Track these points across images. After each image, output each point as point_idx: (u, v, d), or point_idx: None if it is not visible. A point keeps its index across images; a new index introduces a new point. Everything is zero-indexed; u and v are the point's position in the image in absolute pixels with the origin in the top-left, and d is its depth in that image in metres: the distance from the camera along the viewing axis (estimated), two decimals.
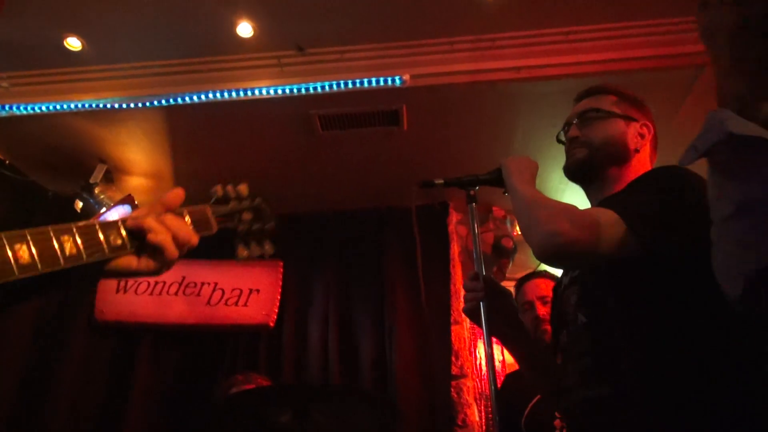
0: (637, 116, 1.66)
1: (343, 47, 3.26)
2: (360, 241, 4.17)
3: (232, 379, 2.91)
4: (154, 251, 0.91)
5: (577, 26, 3.12)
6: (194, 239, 0.98)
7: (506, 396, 2.50)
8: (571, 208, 1.33)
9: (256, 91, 3.28)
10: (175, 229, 0.93)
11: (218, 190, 1.19)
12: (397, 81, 3.22)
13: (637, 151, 1.62)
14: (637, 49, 3.08)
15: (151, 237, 0.90)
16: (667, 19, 3.06)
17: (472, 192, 2.00)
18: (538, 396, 2.35)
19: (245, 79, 3.31)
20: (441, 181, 2.03)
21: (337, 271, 4.07)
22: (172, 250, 0.92)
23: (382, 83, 3.24)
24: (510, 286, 4.26)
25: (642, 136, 1.64)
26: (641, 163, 1.62)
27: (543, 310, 2.55)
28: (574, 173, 1.69)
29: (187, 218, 1.02)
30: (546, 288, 2.64)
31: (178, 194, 1.02)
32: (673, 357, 1.22)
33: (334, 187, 4.11)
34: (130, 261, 0.90)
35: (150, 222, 0.91)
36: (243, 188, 1.21)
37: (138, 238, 0.90)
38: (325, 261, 4.10)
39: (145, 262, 0.92)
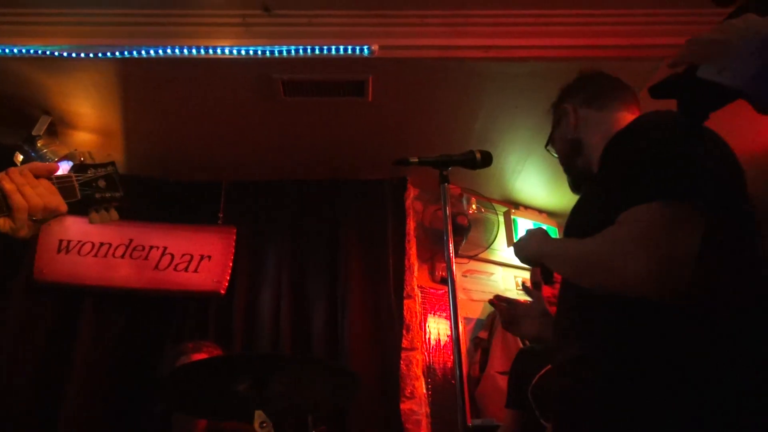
0: (561, 111, 1.68)
1: (311, 11, 3.15)
2: (317, 211, 4.12)
3: (182, 347, 2.85)
4: (10, 211, 1.02)
5: (548, 10, 3.14)
6: (55, 203, 1.09)
7: (518, 368, 2.56)
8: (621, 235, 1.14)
9: (218, 50, 3.14)
10: (31, 193, 1.03)
11: (78, 155, 1.34)
12: (366, 51, 3.16)
13: (582, 139, 1.60)
14: (605, 37, 3.13)
15: (7, 198, 1.01)
16: (634, 11, 3.12)
17: (444, 172, 2.03)
18: (548, 366, 2.37)
19: (207, 36, 3.16)
20: (416, 160, 2.06)
21: (292, 240, 4.01)
22: (22, 213, 1.02)
23: (350, 52, 3.16)
24: (462, 262, 4.35)
25: (569, 120, 1.64)
26: (595, 138, 1.54)
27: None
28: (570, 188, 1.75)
29: (56, 185, 1.13)
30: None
31: (49, 167, 1.13)
32: (643, 318, 1.13)
33: (293, 156, 4.03)
34: None
35: (6, 184, 1.01)
36: (95, 155, 1.39)
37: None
38: (281, 229, 4.04)
39: (3, 222, 1.02)
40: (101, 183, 1.27)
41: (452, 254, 1.92)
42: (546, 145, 1.82)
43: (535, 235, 1.56)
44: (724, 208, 1.14)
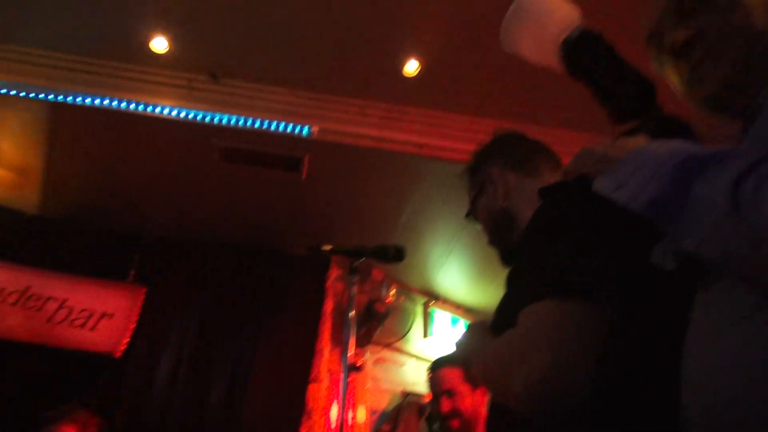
0: (484, 176, 1.45)
1: (257, 85, 3.25)
2: (235, 280, 4.03)
3: (53, 414, 2.62)
4: None
5: (481, 118, 3.37)
6: None
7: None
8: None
9: (159, 109, 3.15)
10: None
11: None
12: (305, 131, 3.25)
13: (505, 209, 1.39)
14: None
15: None
16: (556, 129, 3.39)
17: (355, 263, 2.01)
18: None
19: (149, 93, 3.17)
20: (329, 248, 2.01)
21: (204, 308, 3.87)
22: None
23: (290, 130, 3.25)
24: (375, 350, 4.31)
25: (495, 187, 1.41)
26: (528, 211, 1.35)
27: (447, 405, 2.17)
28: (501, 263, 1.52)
29: None
30: (451, 380, 2.22)
31: None
32: None
33: (221, 220, 3.97)
34: None
35: None
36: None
37: None
38: (194, 295, 3.90)
39: None
40: None
41: (352, 341, 1.90)
42: (467, 215, 1.57)
43: (471, 329, 1.36)
44: (631, 299, 0.98)
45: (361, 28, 2.89)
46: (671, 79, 0.89)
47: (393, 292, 4.49)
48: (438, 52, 2.98)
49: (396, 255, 2.05)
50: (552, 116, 3.29)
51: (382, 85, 3.21)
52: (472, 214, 1.52)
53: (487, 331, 1.28)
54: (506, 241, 1.42)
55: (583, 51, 0.92)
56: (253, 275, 4.06)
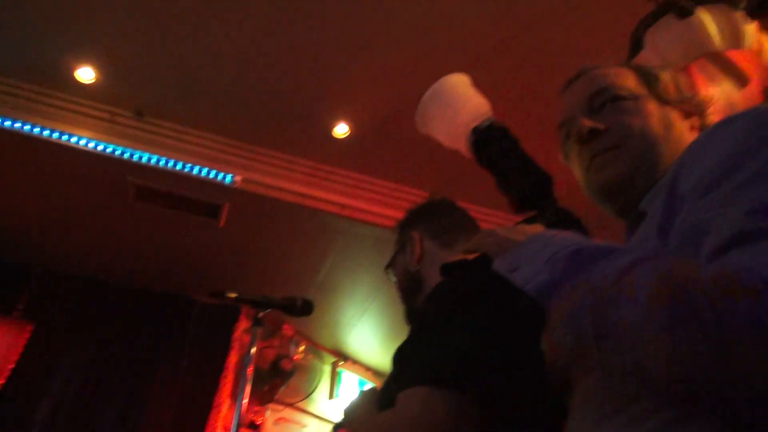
0: (406, 237, 1.50)
1: (184, 127, 3.20)
2: (134, 323, 3.82)
3: None
4: None
5: (404, 185, 3.45)
6: None
7: None
8: None
9: (74, 139, 3.02)
10: None
11: None
12: (228, 179, 3.21)
13: (420, 271, 1.44)
14: None
15: None
16: (480, 207, 3.52)
17: (261, 314, 1.97)
18: None
19: (67, 122, 3.05)
20: (234, 295, 1.96)
21: (97, 350, 3.63)
22: None
23: (212, 176, 3.20)
24: (277, 408, 4.16)
25: (412, 252, 1.47)
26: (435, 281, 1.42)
27: None
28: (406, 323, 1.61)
29: None
30: None
31: None
32: None
33: (127, 259, 3.79)
34: None
35: None
36: None
37: None
38: (88, 335, 3.66)
39: None
40: None
41: (247, 398, 1.85)
42: (386, 267, 1.61)
43: (361, 397, 1.33)
44: (509, 393, 0.99)
45: (294, 87, 2.94)
46: (573, 165, 0.95)
47: (302, 349, 4.39)
48: (367, 119, 3.07)
49: (303, 308, 2.02)
50: (472, 193, 3.42)
51: (311, 144, 3.25)
52: (390, 268, 1.57)
53: (376, 401, 1.25)
54: (412, 302, 1.48)
55: (489, 141, 0.97)
56: (153, 320, 3.86)
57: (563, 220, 0.91)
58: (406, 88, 2.86)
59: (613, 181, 0.87)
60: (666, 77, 0.97)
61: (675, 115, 0.91)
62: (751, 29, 1.51)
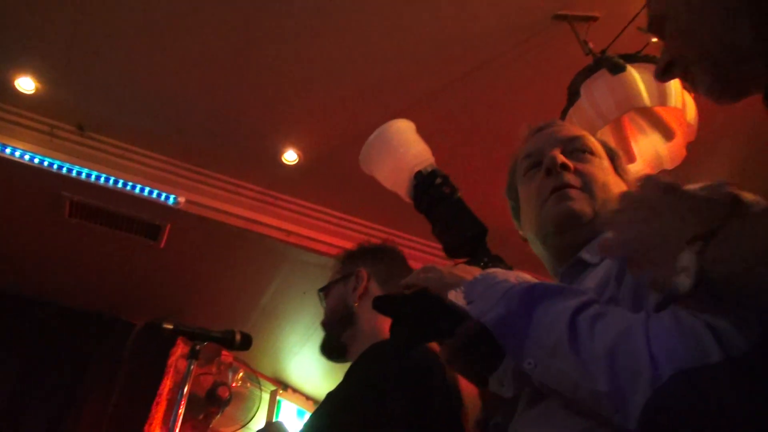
0: (351, 269, 1.55)
1: (128, 144, 3.12)
2: (57, 343, 3.64)
3: None
4: None
5: (352, 216, 3.45)
6: None
7: None
8: None
9: (8, 150, 2.90)
10: None
11: None
12: (171, 199, 3.14)
13: (356, 305, 1.47)
14: None
15: None
16: (425, 240, 3.55)
17: (198, 346, 1.92)
18: None
19: (5, 133, 2.93)
20: (170, 326, 1.90)
21: (23, 370, 3.44)
22: None
23: (154, 195, 3.12)
24: None
25: (355, 288, 1.50)
26: (369, 324, 1.43)
27: None
28: (323, 355, 1.58)
29: None
30: None
31: None
32: None
33: (59, 277, 3.64)
34: None
35: None
36: None
37: None
38: (14, 353, 3.46)
39: None
40: None
41: (178, 429, 1.78)
42: (321, 290, 1.63)
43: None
44: None
45: (245, 112, 2.92)
46: (527, 195, 1.00)
47: (240, 376, 4.28)
48: (317, 147, 3.07)
49: (242, 343, 1.98)
50: (417, 226, 3.46)
51: (259, 169, 3.22)
52: (324, 291, 1.61)
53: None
54: (334, 332, 1.52)
55: (430, 187, 0.99)
56: (83, 341, 3.70)
57: (496, 266, 0.92)
58: (357, 120, 2.89)
59: (572, 214, 0.91)
60: (621, 152, 1.07)
61: (624, 190, 0.97)
62: (676, 89, 1.60)
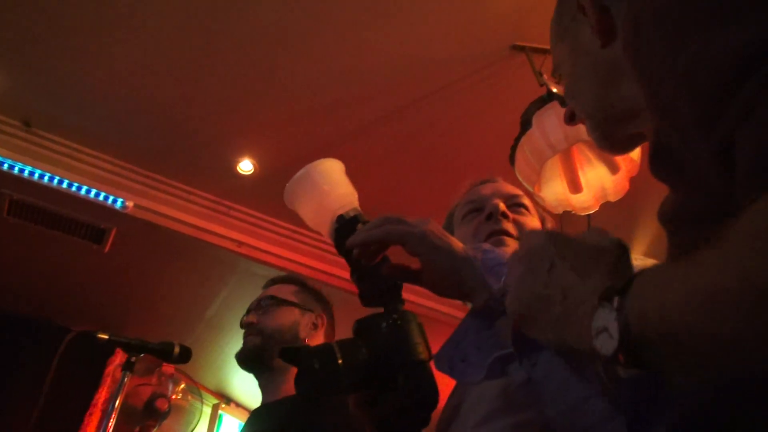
0: (314, 307, 1.71)
1: (77, 144, 3.02)
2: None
3: None
4: None
5: (301, 228, 3.42)
6: None
7: None
8: None
9: None
10: None
11: None
12: (119, 203, 3.05)
13: (305, 340, 1.63)
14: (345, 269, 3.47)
15: None
16: None
17: (133, 358, 1.88)
18: None
19: None
20: (105, 336, 1.86)
21: None
22: None
23: (102, 198, 3.03)
24: None
25: (315, 326, 1.67)
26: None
27: None
28: (244, 361, 1.68)
29: None
30: None
31: None
32: None
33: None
34: None
35: None
36: None
37: None
38: None
39: None
40: None
41: None
42: (273, 298, 1.74)
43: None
44: None
45: (201, 119, 2.87)
46: (463, 235, 1.08)
47: (181, 388, 4.15)
48: (274, 159, 3.04)
49: (181, 356, 1.93)
50: None
51: (213, 177, 3.16)
52: (273, 308, 1.68)
53: None
54: (269, 348, 1.59)
55: (351, 232, 0.97)
56: (12, 346, 3.53)
57: (405, 320, 0.92)
58: (315, 134, 2.89)
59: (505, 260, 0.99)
60: (550, 217, 1.19)
61: None
62: None
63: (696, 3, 0.44)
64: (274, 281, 1.84)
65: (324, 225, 1.00)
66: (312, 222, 1.05)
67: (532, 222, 1.08)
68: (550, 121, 1.75)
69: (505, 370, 0.68)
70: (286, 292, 1.73)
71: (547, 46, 2.41)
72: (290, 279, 1.82)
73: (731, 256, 0.35)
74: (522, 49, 2.35)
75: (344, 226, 0.97)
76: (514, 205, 1.09)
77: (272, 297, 1.71)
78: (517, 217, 1.06)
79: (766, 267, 0.32)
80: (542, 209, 1.17)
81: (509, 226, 1.04)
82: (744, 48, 0.40)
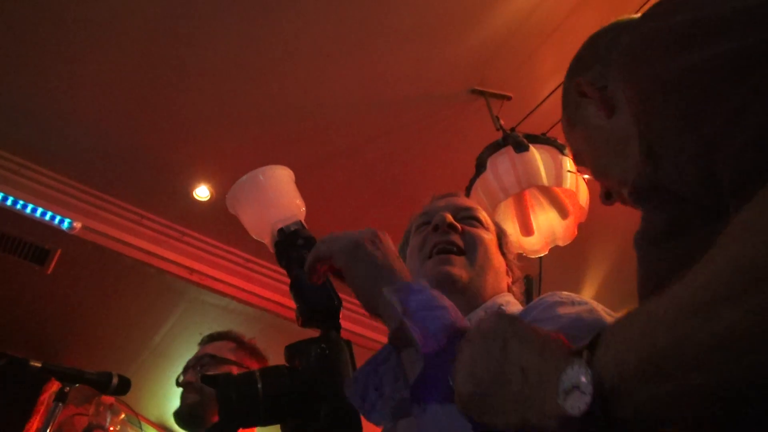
0: (249, 363, 1.73)
1: (22, 159, 2.91)
2: None
3: None
4: None
5: (258, 258, 3.37)
6: None
7: None
8: None
9: None
10: None
11: None
12: (65, 224, 2.94)
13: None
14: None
15: None
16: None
17: (67, 389, 1.79)
18: None
19: None
20: (38, 364, 1.78)
21: None
22: None
23: (47, 217, 2.92)
24: None
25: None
26: None
27: None
28: (183, 418, 1.65)
29: None
30: None
31: None
32: None
33: None
34: None
35: None
36: None
37: None
38: None
39: None
40: None
41: None
42: (205, 380, 1.77)
43: None
44: None
45: (157, 143, 2.82)
46: (411, 248, 1.08)
47: (121, 419, 3.97)
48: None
49: (119, 387, 1.86)
50: None
51: (167, 202, 3.10)
52: (209, 383, 1.64)
53: None
54: (206, 412, 1.58)
55: (291, 246, 0.93)
56: None
57: (336, 349, 0.89)
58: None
59: (449, 278, 0.97)
60: (512, 241, 1.17)
61: (502, 266, 1.07)
62: (572, 174, 1.73)
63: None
64: (211, 338, 1.85)
65: (264, 234, 0.96)
66: (252, 229, 1.01)
67: (485, 235, 1.05)
68: (504, 165, 1.80)
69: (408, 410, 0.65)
70: (223, 349, 1.77)
71: (505, 92, 2.48)
72: (227, 336, 1.85)
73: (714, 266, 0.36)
74: (481, 93, 2.42)
75: (284, 241, 0.93)
76: (467, 217, 1.06)
77: (211, 356, 1.75)
78: (468, 228, 1.04)
79: (747, 276, 0.34)
80: (500, 227, 1.14)
81: (456, 238, 1.01)
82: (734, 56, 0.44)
